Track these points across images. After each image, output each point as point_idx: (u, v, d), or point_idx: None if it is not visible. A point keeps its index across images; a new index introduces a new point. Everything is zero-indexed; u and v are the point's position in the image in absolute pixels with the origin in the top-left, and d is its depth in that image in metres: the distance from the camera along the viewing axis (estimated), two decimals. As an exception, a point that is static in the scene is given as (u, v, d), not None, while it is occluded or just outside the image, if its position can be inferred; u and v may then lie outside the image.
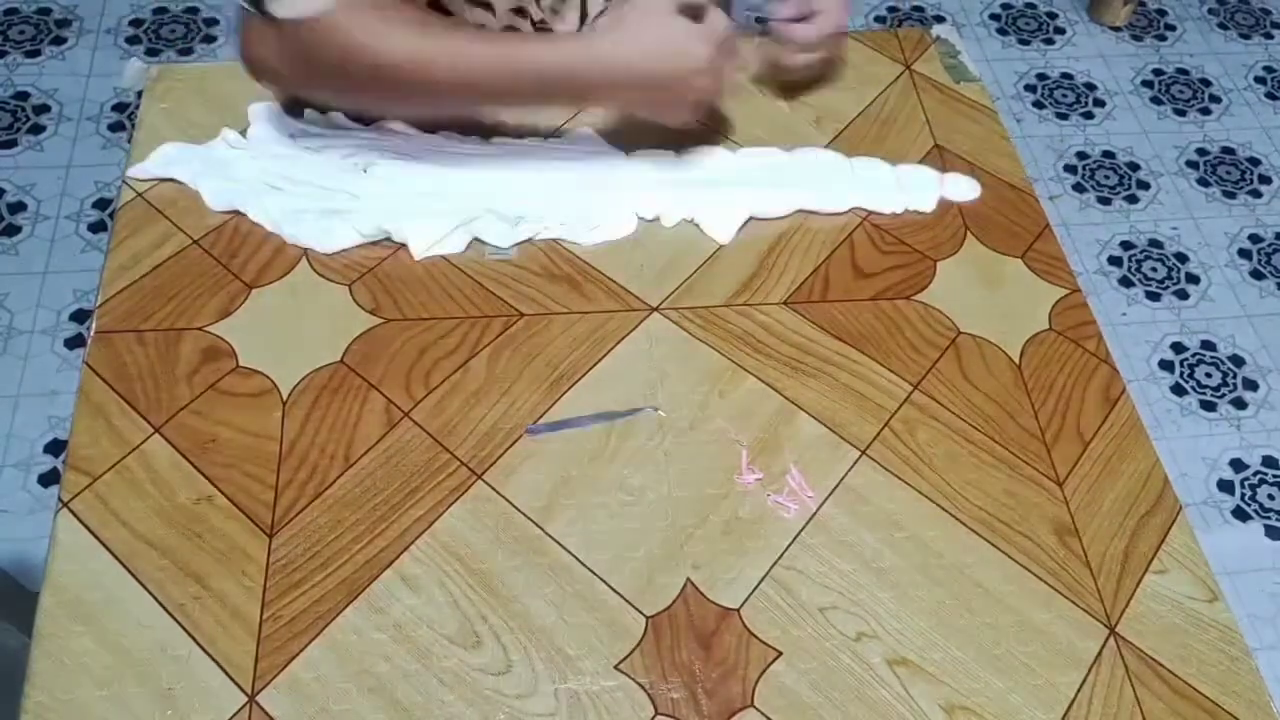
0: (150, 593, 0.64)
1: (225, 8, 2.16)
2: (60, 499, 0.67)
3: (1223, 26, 2.38)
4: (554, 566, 0.67)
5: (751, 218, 0.86)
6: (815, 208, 0.87)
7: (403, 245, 0.81)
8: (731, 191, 0.87)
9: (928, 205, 0.88)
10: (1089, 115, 2.17)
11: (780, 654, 0.64)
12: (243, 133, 0.87)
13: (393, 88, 0.77)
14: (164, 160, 0.85)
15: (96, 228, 1.78)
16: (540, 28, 0.94)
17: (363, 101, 0.85)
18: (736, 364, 0.77)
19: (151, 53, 2.07)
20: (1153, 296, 1.89)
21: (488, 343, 0.77)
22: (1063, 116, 2.17)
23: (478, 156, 0.86)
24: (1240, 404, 1.76)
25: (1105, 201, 2.03)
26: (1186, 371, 1.79)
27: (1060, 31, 2.34)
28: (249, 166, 0.84)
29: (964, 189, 0.90)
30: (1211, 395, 1.77)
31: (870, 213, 0.88)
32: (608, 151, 0.89)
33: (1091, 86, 2.23)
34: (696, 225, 0.85)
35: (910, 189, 0.89)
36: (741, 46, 0.83)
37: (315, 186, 0.83)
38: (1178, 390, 1.77)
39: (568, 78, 0.77)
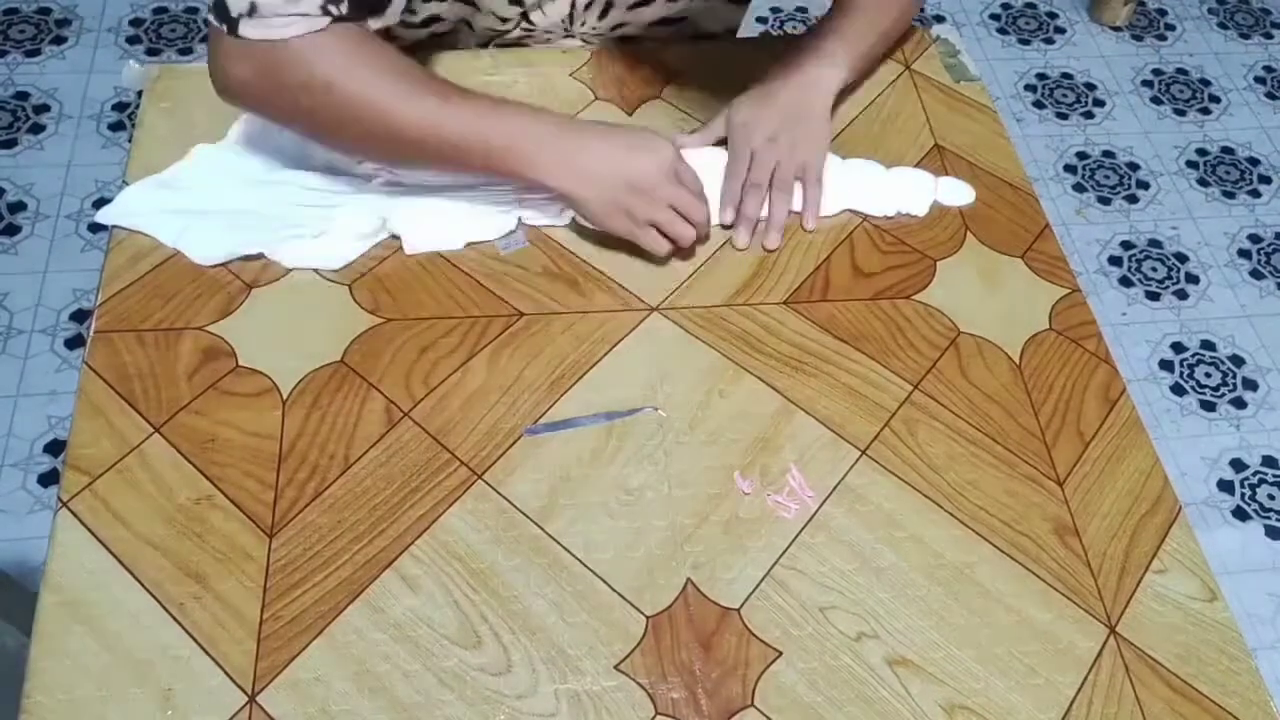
0: (150, 593, 0.64)
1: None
2: (60, 499, 0.67)
3: (1223, 26, 2.38)
4: (554, 566, 0.67)
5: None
6: (808, 209, 0.87)
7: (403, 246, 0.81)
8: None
9: (920, 209, 0.88)
10: (1089, 115, 2.17)
11: (780, 654, 0.64)
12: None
13: (392, 150, 0.77)
14: (127, 211, 0.80)
15: (96, 227, 1.77)
16: (525, 18, 0.94)
17: (341, 145, 0.80)
18: (736, 364, 0.77)
19: (151, 52, 2.07)
20: (1152, 296, 1.89)
21: (488, 342, 0.77)
22: (1063, 116, 2.17)
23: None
24: (1240, 404, 1.76)
25: (1105, 201, 2.03)
26: (1186, 371, 1.79)
27: (1060, 31, 2.34)
28: (222, 199, 0.81)
29: (959, 193, 0.89)
30: (1211, 395, 1.76)
31: (865, 216, 0.88)
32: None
33: (1091, 86, 2.23)
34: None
35: (904, 192, 0.88)
36: None
37: (296, 206, 0.82)
38: (1177, 390, 1.77)
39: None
